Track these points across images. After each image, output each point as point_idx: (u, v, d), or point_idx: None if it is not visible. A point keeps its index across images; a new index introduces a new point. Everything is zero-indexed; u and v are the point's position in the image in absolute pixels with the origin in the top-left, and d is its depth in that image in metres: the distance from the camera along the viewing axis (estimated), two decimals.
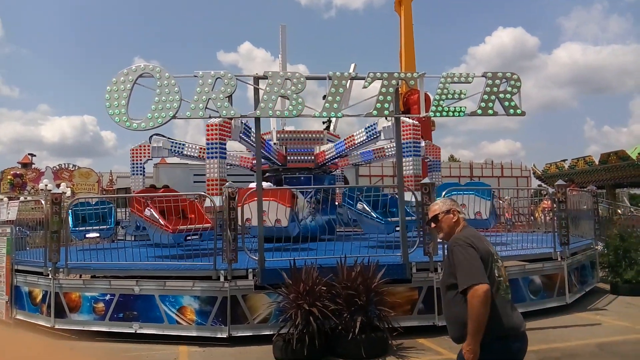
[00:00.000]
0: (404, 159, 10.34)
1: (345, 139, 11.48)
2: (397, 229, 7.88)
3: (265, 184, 9.50)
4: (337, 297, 5.60)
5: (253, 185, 9.02)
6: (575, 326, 6.68)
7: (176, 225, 7.62)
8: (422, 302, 6.48)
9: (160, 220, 7.86)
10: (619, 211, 13.80)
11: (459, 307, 2.62)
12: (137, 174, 11.68)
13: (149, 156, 11.54)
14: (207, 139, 9.36)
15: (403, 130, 10.02)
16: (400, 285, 6.42)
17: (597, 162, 20.08)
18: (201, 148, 11.68)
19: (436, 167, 12.71)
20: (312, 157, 12.09)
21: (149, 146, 11.37)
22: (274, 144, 11.88)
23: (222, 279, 6.26)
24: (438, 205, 3.04)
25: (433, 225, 3.05)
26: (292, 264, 5.88)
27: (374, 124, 10.24)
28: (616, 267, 8.95)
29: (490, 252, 2.75)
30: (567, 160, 22.32)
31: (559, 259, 7.63)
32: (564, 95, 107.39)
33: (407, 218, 8.24)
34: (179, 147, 11.55)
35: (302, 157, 12.10)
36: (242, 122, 9.68)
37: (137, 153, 11.65)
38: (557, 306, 7.43)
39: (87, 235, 9.75)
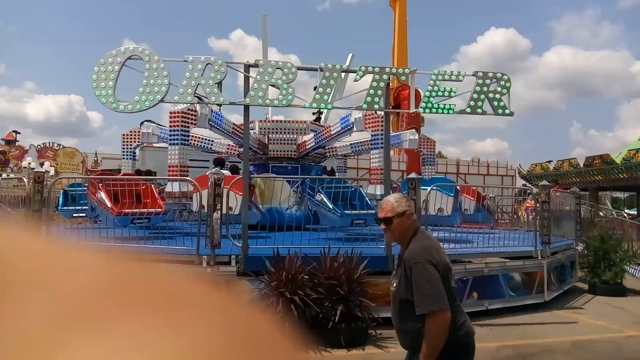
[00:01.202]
0: (371, 151, 10.34)
1: (323, 130, 11.46)
2: (356, 222, 7.80)
3: (224, 172, 9.58)
4: (319, 287, 5.64)
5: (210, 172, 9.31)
6: (552, 323, 6.81)
7: (122, 209, 7.68)
8: None
9: (107, 202, 7.89)
10: (601, 213, 13.99)
11: (414, 323, 2.47)
12: (127, 159, 11.86)
13: (139, 141, 11.65)
14: (170, 126, 9.42)
15: (372, 122, 9.97)
16: (382, 277, 6.46)
17: (581, 165, 20.31)
18: (191, 136, 11.72)
19: (430, 160, 12.62)
20: (295, 147, 12.03)
21: (139, 132, 11.42)
22: (254, 133, 11.80)
23: (204, 264, 6.26)
24: (391, 205, 2.64)
25: (383, 226, 2.67)
26: (275, 252, 5.89)
27: (348, 116, 10.14)
28: (595, 268, 9.11)
29: (447, 264, 2.56)
30: (552, 161, 22.56)
31: (540, 258, 7.75)
32: (553, 98, 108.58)
33: (371, 211, 8.30)
34: (165, 132, 11.55)
35: (285, 147, 12.01)
36: (211, 110, 9.64)
37: (127, 138, 11.79)
38: (536, 303, 7.56)
39: (74, 215, 9.75)
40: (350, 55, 13.03)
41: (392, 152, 13.47)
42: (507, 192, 17.64)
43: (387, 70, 6.54)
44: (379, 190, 9.24)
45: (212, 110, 9.73)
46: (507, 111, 6.75)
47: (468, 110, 6.72)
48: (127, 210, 7.67)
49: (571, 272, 9.47)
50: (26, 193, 7.23)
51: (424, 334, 2.42)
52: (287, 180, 9.40)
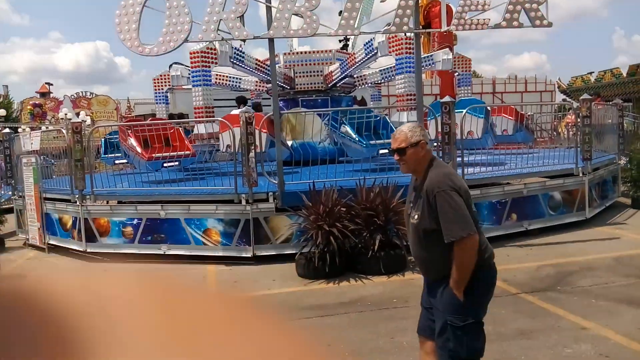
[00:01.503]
0: (397, 76, 9.92)
1: (348, 58, 11.07)
2: (382, 151, 7.57)
3: (238, 110, 9.48)
4: (356, 218, 5.71)
5: (235, 111, 9.13)
6: (593, 240, 6.75)
7: (152, 154, 7.89)
8: None
9: (137, 147, 8.08)
10: None
11: (442, 251, 2.45)
12: (160, 103, 11.99)
13: (170, 85, 11.65)
14: (192, 67, 9.31)
15: (396, 45, 9.46)
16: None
17: (624, 74, 19.30)
18: (217, 75, 11.68)
19: (466, 81, 12.03)
20: (322, 79, 11.75)
21: (169, 75, 11.39)
22: (279, 67, 11.54)
23: (243, 202, 6.40)
24: (404, 135, 2.59)
25: (396, 157, 2.64)
26: (311, 187, 5.95)
27: (371, 40, 9.68)
28: (638, 182, 8.86)
29: (467, 189, 2.55)
30: (593, 72, 21.46)
31: (581, 175, 7.56)
32: (593, 3, 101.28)
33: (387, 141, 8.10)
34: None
35: (312, 80, 11.72)
36: (232, 47, 9.42)
37: (158, 82, 11.85)
38: (577, 221, 7.47)
39: (115, 162, 10.04)
40: None
41: (423, 75, 13.02)
42: (546, 108, 16.98)
43: None
44: (405, 117, 9.00)
45: (232, 47, 9.53)
46: (545, 22, 6.34)
47: (504, 23, 6.35)
48: (157, 155, 7.86)
49: (613, 188, 9.25)
50: (66, 144, 7.43)
51: (451, 261, 2.42)
52: (317, 114, 9.29)
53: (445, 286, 2.48)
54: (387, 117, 9.00)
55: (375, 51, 9.67)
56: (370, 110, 9.68)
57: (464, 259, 2.41)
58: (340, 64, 11.29)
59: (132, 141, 8.18)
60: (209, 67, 9.39)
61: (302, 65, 11.69)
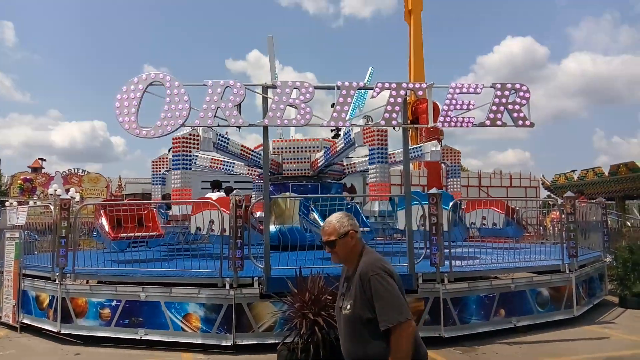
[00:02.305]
0: (370, 166, 10.17)
1: (330, 146, 11.42)
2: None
3: (215, 194, 10.09)
4: None
5: (210, 194, 10.05)
6: (583, 339, 6.61)
7: (119, 233, 8.09)
8: (428, 313, 6.44)
9: (106, 226, 8.32)
10: (629, 223, 13.64)
11: (378, 344, 2.32)
12: (156, 184, 12.43)
13: (167, 167, 12.09)
14: (173, 151, 9.76)
15: (368, 136, 9.78)
16: (406, 295, 6.37)
17: (606, 174, 19.92)
18: (212, 159, 12.39)
19: (455, 172, 12.12)
20: (309, 165, 12.02)
21: (167, 158, 11.86)
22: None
23: (227, 286, 6.27)
24: (332, 226, 2.59)
25: (327, 249, 2.63)
26: (297, 273, 5.87)
27: (349, 131, 10.02)
28: (625, 280, 8.85)
29: (399, 277, 2.49)
30: (576, 171, 22.16)
31: (567, 271, 7.57)
32: (574, 106, 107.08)
33: (364, 229, 8.13)
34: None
35: (298, 166, 12.02)
36: (216, 133, 9.89)
37: (157, 164, 12.41)
38: (565, 319, 7.36)
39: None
40: (370, 68, 13.00)
41: (411, 166, 13.32)
42: (531, 204, 17.32)
43: (404, 85, 6.53)
44: (376, 206, 9.05)
45: (217, 134, 9.99)
46: (527, 122, 6.67)
47: (487, 122, 6.66)
48: (122, 235, 8.04)
49: (600, 285, 9.21)
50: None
51: (388, 355, 2.27)
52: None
53: None
54: (357, 206, 9.09)
55: (353, 141, 9.98)
56: (342, 198, 9.71)
57: (402, 346, 2.26)
58: (324, 152, 11.61)
59: (103, 220, 8.38)
60: (190, 152, 9.86)
61: (289, 151, 12.02)
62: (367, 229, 8.14)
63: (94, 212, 9.18)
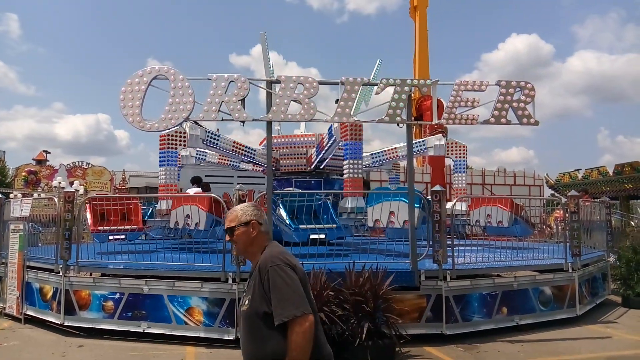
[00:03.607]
0: (344, 161, 10.05)
1: (320, 141, 11.38)
2: (313, 237, 7.47)
3: (192, 190, 10.39)
4: (344, 303, 5.59)
5: (190, 190, 10.42)
6: (585, 338, 6.60)
7: (97, 226, 8.56)
8: (430, 310, 6.44)
9: (88, 220, 8.77)
10: (632, 223, 13.61)
11: (275, 342, 2.17)
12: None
13: (181, 164, 12.51)
14: (160, 148, 9.96)
15: (343, 131, 9.68)
16: (408, 292, 6.39)
17: (611, 173, 19.86)
18: (219, 156, 12.52)
19: (461, 168, 11.72)
20: (305, 161, 11.99)
21: (180, 155, 12.29)
22: (263, 149, 12.00)
23: (230, 281, 6.28)
24: (235, 214, 2.47)
25: (227, 237, 2.51)
26: None
27: (331, 127, 9.95)
28: (628, 280, 8.83)
29: (304, 272, 2.34)
30: (580, 170, 22.10)
31: (570, 270, 7.55)
32: (579, 104, 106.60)
33: (330, 225, 8.09)
34: (200, 154, 12.19)
35: (295, 162, 12.01)
36: (205, 130, 10.05)
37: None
38: (567, 318, 7.34)
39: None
40: (378, 61, 12.90)
41: (415, 163, 13.26)
42: (535, 202, 17.29)
43: (408, 82, 6.51)
44: (349, 203, 8.92)
45: (206, 131, 10.15)
46: (532, 120, 6.64)
47: (492, 120, 6.64)
48: (100, 227, 8.45)
49: (603, 285, 9.19)
50: (57, 212, 7.40)
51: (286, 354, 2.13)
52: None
53: None
54: (328, 202, 9.01)
55: (334, 136, 9.89)
56: (312, 194, 9.56)
57: (299, 342, 2.11)
58: (316, 147, 11.57)
59: (87, 214, 8.79)
60: (176, 149, 10.14)
61: (286, 147, 12.01)
62: (334, 225, 8.06)
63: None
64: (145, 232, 10.59)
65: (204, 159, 12.24)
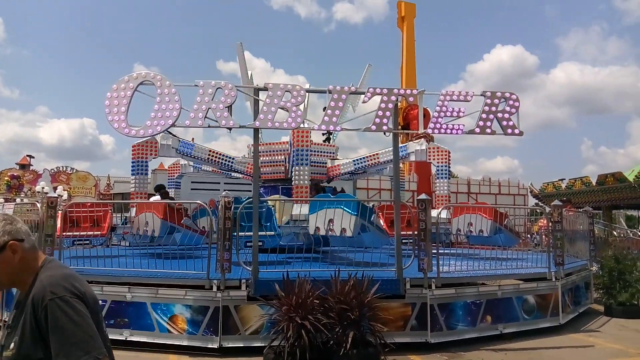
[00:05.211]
0: (294, 168, 10.08)
1: (289, 149, 11.42)
2: (249, 244, 7.17)
3: (153, 198, 10.61)
4: (329, 311, 5.58)
5: (152, 198, 10.53)
6: (568, 347, 6.65)
7: (66, 231, 8.56)
8: (415, 319, 6.45)
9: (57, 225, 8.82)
10: (615, 233, 13.81)
11: None
12: (171, 188, 12.99)
13: (180, 173, 12.77)
14: (132, 158, 10.23)
15: (295, 137, 9.75)
16: (393, 300, 6.39)
17: (594, 183, 20.14)
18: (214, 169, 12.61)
19: (443, 174, 11.64)
20: (283, 168, 12.02)
21: (180, 164, 12.46)
22: (244, 156, 12.23)
23: (214, 288, 6.23)
24: None
25: None
26: (285, 276, 5.86)
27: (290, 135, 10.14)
28: (610, 289, 8.93)
29: (95, 297, 1.83)
30: (564, 180, 22.41)
31: (554, 279, 7.62)
32: (562, 115, 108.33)
33: (270, 233, 8.03)
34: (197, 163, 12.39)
35: (274, 169, 12.04)
36: (178, 140, 10.31)
37: (172, 170, 13.44)
38: (551, 326, 7.40)
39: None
40: (367, 65, 12.94)
41: (401, 170, 13.32)
42: (519, 212, 17.46)
43: (395, 91, 6.55)
44: (297, 209, 8.87)
45: (179, 140, 10.38)
46: (516, 131, 6.72)
47: (477, 130, 6.70)
48: (65, 233, 8.50)
49: (586, 294, 9.28)
50: (39, 217, 7.28)
51: None
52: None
53: None
54: (272, 209, 8.94)
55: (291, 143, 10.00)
56: (261, 200, 9.57)
57: None
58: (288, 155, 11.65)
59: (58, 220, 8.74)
60: (146, 158, 10.37)
61: (264, 155, 11.99)
62: (271, 233, 8.04)
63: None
64: (123, 236, 10.75)
65: (201, 168, 12.44)
